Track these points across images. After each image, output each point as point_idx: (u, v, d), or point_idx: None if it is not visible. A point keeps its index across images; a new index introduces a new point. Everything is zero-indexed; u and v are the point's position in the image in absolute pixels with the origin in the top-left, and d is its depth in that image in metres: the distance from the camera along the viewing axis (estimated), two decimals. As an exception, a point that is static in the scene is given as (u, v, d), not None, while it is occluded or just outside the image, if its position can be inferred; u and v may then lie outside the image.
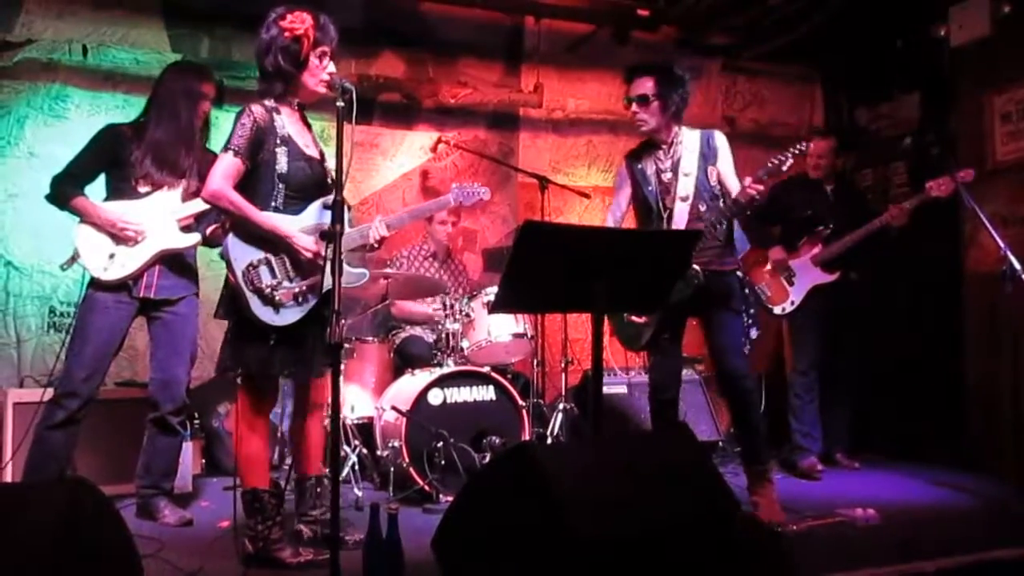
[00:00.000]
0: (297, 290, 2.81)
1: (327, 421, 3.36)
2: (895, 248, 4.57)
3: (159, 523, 3.40)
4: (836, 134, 4.99)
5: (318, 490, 3.05)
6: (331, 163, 2.97)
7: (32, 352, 4.50)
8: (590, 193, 5.43)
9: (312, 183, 2.90)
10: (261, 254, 2.80)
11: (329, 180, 2.94)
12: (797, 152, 3.35)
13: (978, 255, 4.74)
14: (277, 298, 2.77)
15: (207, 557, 2.91)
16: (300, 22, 2.79)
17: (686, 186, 3.52)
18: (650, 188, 3.59)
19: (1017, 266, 3.71)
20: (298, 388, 3.11)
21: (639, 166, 3.65)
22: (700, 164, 3.54)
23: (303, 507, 3.09)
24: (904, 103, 5.63)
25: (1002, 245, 3.77)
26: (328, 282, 2.75)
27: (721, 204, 3.49)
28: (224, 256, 2.81)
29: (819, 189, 4.75)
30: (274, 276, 2.79)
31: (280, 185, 2.82)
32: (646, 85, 3.52)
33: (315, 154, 2.95)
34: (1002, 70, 4.72)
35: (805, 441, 4.54)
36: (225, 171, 2.77)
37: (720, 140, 3.60)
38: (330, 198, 2.71)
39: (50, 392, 3.42)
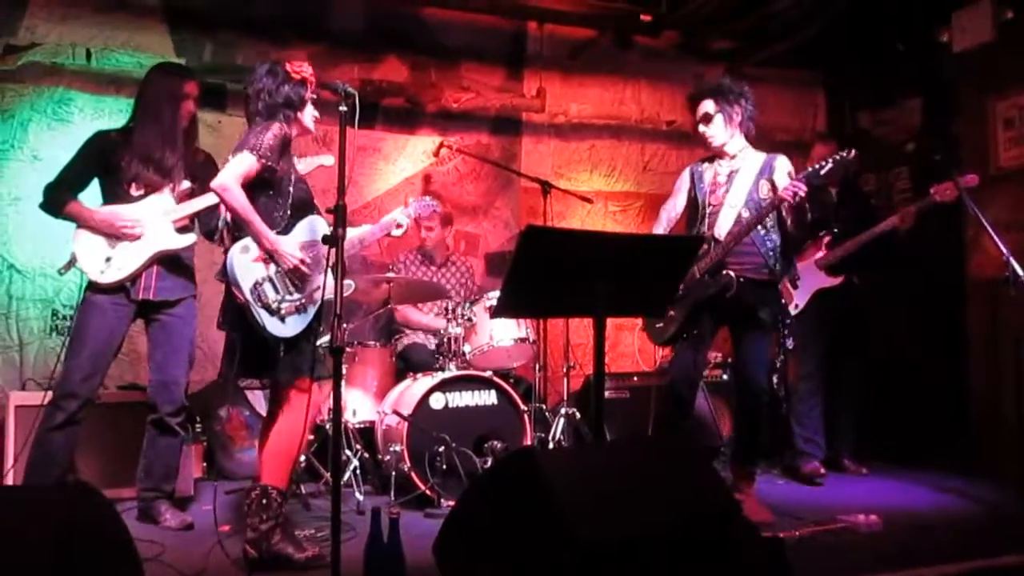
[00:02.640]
0: (298, 303, 2.96)
1: (329, 425, 3.35)
2: (899, 253, 4.55)
3: (160, 527, 3.40)
4: (839, 138, 4.98)
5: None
6: (328, 162, 3.24)
7: (34, 355, 4.50)
8: (592, 198, 5.43)
9: (306, 204, 3.10)
10: (263, 272, 2.93)
11: (314, 200, 3.16)
12: (839, 159, 3.44)
13: (981, 260, 4.73)
14: (283, 311, 2.92)
15: (208, 561, 2.91)
16: (305, 69, 3.07)
17: (737, 195, 3.62)
18: (701, 187, 3.75)
19: (1019, 271, 3.70)
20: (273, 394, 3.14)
21: (699, 170, 3.81)
22: (755, 178, 3.64)
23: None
24: (907, 108, 5.63)
25: (1004, 250, 3.76)
26: (325, 294, 2.90)
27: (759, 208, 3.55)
28: (229, 274, 2.91)
29: (824, 193, 4.72)
30: (277, 292, 2.94)
31: (288, 202, 3.01)
32: (707, 105, 3.69)
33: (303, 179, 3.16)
34: (1004, 75, 4.72)
35: (807, 447, 4.51)
36: (240, 170, 2.89)
37: (780, 162, 3.69)
38: (318, 219, 3.04)
39: (51, 395, 3.43)
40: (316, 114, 3.13)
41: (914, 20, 5.25)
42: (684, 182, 3.86)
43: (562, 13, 5.40)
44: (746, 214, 3.57)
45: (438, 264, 4.98)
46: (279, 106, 3.03)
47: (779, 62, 5.91)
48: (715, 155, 3.77)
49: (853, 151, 3.48)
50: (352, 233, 3.29)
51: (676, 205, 3.87)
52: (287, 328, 2.92)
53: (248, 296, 2.89)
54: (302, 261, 2.96)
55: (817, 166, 3.45)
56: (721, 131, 3.67)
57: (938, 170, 4.17)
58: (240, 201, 2.88)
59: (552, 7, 5.37)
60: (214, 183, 2.95)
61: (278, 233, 2.95)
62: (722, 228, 3.59)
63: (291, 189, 3.01)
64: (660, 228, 3.90)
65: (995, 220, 4.19)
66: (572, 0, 5.36)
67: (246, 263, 2.92)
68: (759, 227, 3.57)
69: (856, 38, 5.59)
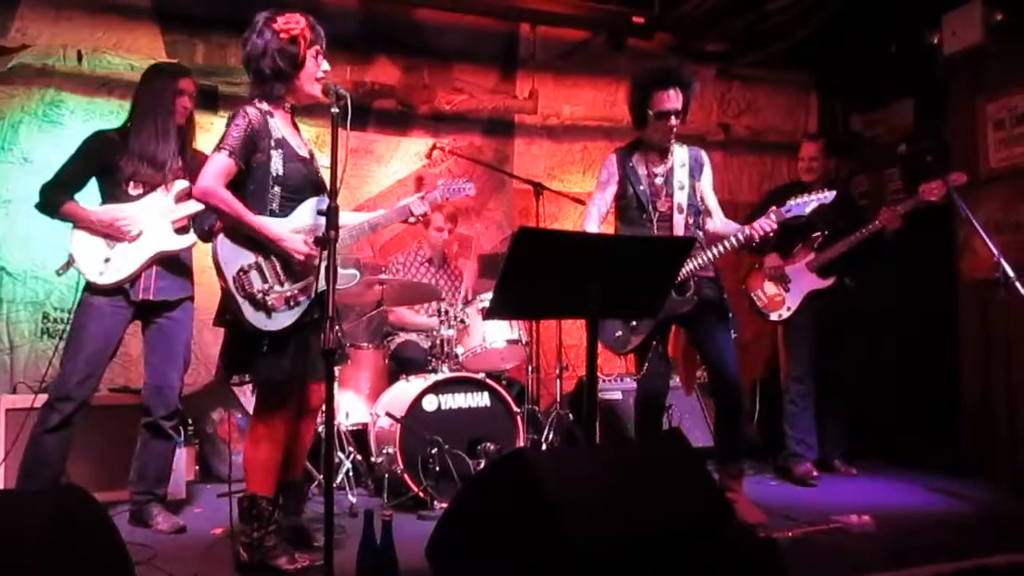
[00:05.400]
0: (289, 294, 2.78)
1: (321, 427, 3.32)
2: (890, 254, 4.57)
3: (152, 530, 3.39)
4: (829, 138, 4.98)
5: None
6: (321, 164, 3.00)
7: (25, 358, 4.47)
8: (585, 200, 5.42)
9: (308, 184, 2.90)
10: (252, 258, 2.77)
11: (321, 178, 2.94)
12: (820, 198, 3.54)
13: (972, 261, 4.75)
14: (269, 303, 2.74)
15: (201, 564, 2.90)
16: (295, 23, 2.80)
17: (681, 198, 3.60)
18: (641, 187, 3.65)
19: (1010, 272, 3.72)
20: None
21: (630, 164, 3.70)
22: (689, 180, 3.64)
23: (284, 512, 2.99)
24: (898, 109, 5.66)
25: (995, 251, 3.78)
26: (321, 284, 2.76)
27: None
28: (214, 261, 2.78)
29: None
30: (265, 280, 2.76)
31: (276, 188, 2.81)
32: (679, 98, 3.56)
33: (306, 154, 2.96)
34: (995, 77, 4.74)
35: (800, 448, 4.52)
36: (216, 170, 2.75)
37: (705, 158, 3.71)
38: (323, 200, 2.75)
39: (43, 398, 3.42)
40: (325, 68, 2.85)
41: (905, 22, 5.27)
42: (613, 174, 3.70)
43: (555, 15, 5.39)
44: (691, 221, 3.60)
45: (437, 265, 4.96)
46: (267, 77, 2.81)
47: (771, 63, 5.94)
48: (642, 144, 3.69)
49: (833, 192, 3.59)
50: (360, 218, 3.12)
51: (606, 200, 3.73)
52: (273, 322, 2.74)
53: (230, 284, 2.72)
54: (308, 255, 2.77)
55: (801, 201, 3.50)
56: (678, 126, 3.57)
57: (930, 170, 4.19)
58: (227, 202, 2.72)
59: (545, 9, 5.36)
60: (195, 191, 2.81)
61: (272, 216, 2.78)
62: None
63: (278, 174, 2.79)
64: (592, 225, 3.73)
65: (986, 221, 4.22)
66: (565, 2, 5.36)
67: (233, 247, 2.75)
68: (695, 226, 3.62)
69: (848, 40, 5.61)
